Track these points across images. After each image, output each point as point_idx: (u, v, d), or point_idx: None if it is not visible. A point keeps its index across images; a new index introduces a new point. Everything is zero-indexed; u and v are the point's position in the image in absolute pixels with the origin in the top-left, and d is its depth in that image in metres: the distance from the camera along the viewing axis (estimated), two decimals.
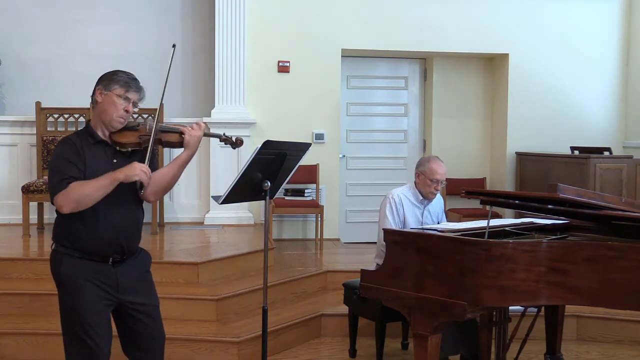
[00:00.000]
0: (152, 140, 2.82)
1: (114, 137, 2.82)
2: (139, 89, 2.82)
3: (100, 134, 2.82)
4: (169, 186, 2.94)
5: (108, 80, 2.79)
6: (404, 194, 4.17)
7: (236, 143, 3.04)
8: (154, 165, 2.93)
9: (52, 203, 2.74)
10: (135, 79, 2.83)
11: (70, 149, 2.74)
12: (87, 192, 2.66)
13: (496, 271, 2.97)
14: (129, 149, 2.84)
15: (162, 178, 2.88)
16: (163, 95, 2.95)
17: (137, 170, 2.70)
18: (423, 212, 4.20)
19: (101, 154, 2.80)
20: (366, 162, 7.31)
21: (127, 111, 2.79)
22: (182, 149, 2.89)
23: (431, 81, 7.33)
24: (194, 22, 6.86)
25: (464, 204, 6.53)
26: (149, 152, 2.82)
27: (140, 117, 5.89)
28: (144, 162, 2.78)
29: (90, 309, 2.75)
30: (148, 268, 3.00)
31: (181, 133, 2.90)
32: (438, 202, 4.32)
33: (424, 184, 4.11)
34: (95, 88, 2.82)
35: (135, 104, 2.82)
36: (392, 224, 4.06)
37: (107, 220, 2.75)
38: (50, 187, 2.75)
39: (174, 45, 2.97)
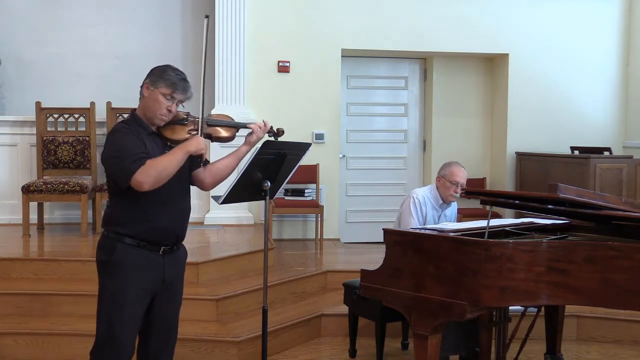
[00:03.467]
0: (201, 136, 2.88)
1: (164, 133, 2.86)
2: (185, 90, 2.82)
3: (148, 125, 2.85)
4: (226, 177, 3.08)
5: (157, 76, 2.80)
6: (426, 195, 4.25)
7: (278, 133, 3.17)
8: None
9: (124, 186, 2.67)
10: (184, 79, 2.83)
11: (130, 133, 2.75)
12: (165, 165, 2.69)
13: (496, 271, 2.97)
14: None
15: (225, 169, 3.04)
16: (204, 83, 2.95)
17: (203, 144, 2.80)
18: (440, 216, 4.28)
19: (155, 145, 2.82)
20: (366, 162, 7.31)
21: (169, 110, 2.80)
22: (229, 143, 3.08)
23: (431, 81, 7.33)
24: (194, 22, 6.86)
25: (464, 204, 6.52)
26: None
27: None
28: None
29: (131, 300, 2.77)
30: (185, 262, 3.04)
31: (231, 127, 3.02)
32: (453, 207, 4.41)
33: (444, 187, 4.20)
34: (144, 80, 2.83)
35: (180, 103, 2.84)
36: (416, 222, 4.14)
37: (170, 207, 2.79)
38: (121, 170, 2.67)
39: (207, 16, 2.97)
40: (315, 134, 6.73)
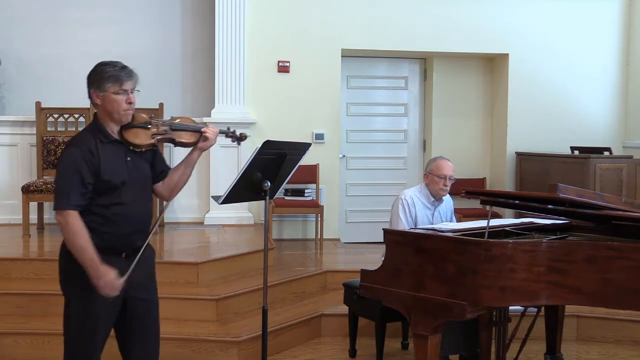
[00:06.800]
0: (163, 139, 2.86)
1: (127, 137, 2.78)
2: (130, 76, 2.75)
3: (110, 131, 2.78)
4: (184, 185, 3.01)
5: (98, 80, 2.73)
6: (415, 195, 4.22)
7: (240, 138, 3.08)
8: (162, 163, 2.97)
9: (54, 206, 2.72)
10: (123, 67, 2.76)
11: (82, 155, 2.67)
12: (81, 250, 2.64)
13: (496, 271, 2.97)
14: (143, 150, 2.83)
15: (180, 179, 2.96)
16: None
17: (108, 289, 2.66)
18: (434, 213, 4.24)
19: (115, 153, 2.76)
20: (366, 162, 7.31)
21: (130, 103, 2.74)
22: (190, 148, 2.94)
23: (431, 81, 7.32)
24: (194, 22, 6.86)
25: (464, 204, 6.52)
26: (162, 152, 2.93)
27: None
28: (156, 162, 2.87)
29: (98, 303, 2.72)
30: (154, 262, 3.01)
31: (195, 131, 2.90)
32: (448, 204, 4.36)
33: (433, 182, 4.17)
34: (89, 90, 2.77)
35: (133, 91, 2.76)
36: (405, 225, 4.10)
37: (129, 215, 2.75)
38: (55, 193, 2.69)
39: None
40: (315, 134, 6.73)
